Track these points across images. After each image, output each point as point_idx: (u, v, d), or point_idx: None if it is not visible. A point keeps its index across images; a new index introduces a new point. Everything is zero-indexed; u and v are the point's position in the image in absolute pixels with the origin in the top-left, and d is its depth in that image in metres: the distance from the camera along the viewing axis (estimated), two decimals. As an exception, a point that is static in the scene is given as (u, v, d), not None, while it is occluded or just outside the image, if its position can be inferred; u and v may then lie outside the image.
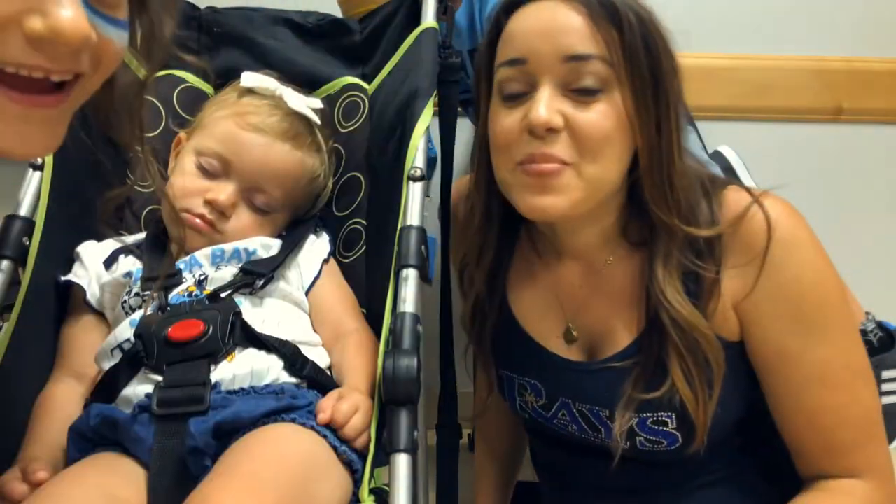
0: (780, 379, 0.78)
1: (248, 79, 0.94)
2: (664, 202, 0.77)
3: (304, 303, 0.89)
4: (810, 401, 0.77)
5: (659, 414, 0.79)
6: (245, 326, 0.79)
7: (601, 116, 0.73)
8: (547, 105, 0.73)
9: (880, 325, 0.93)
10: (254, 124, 0.90)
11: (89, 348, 0.83)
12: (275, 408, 0.71)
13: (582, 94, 0.73)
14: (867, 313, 0.95)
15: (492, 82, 0.79)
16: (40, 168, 0.86)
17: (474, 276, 0.89)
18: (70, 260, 0.89)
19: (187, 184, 0.89)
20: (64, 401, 0.80)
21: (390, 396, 0.69)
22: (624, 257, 0.83)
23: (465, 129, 1.21)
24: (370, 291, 0.95)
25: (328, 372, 0.84)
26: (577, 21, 0.73)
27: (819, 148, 1.36)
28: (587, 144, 0.73)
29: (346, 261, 0.98)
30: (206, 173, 0.90)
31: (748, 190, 0.79)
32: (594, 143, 0.73)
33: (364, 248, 0.97)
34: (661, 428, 0.81)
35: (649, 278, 0.79)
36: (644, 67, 0.73)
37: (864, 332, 0.92)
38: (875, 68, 1.49)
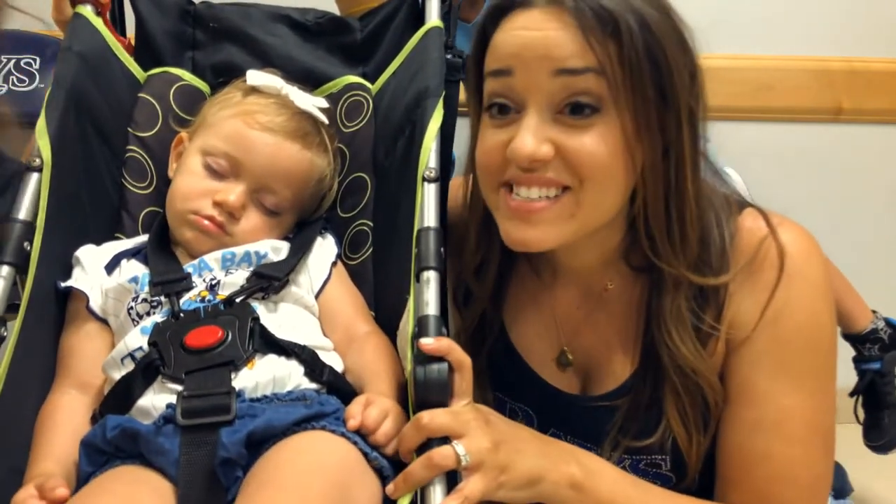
0: (735, 412, 0.74)
1: (254, 77, 0.92)
2: (667, 243, 0.71)
3: (314, 307, 0.87)
4: (758, 445, 0.73)
5: (653, 457, 0.78)
6: (264, 332, 0.77)
7: (597, 142, 0.67)
8: (534, 133, 0.67)
9: (888, 322, 0.96)
10: (263, 123, 0.88)
11: (92, 357, 0.80)
12: (305, 415, 0.69)
13: (575, 117, 0.67)
14: (874, 312, 0.97)
15: (481, 96, 0.75)
16: (38, 169, 0.82)
17: (477, 293, 0.86)
18: (69, 265, 0.85)
19: (195, 185, 0.87)
20: (69, 412, 0.76)
21: (422, 401, 0.68)
22: (625, 283, 0.80)
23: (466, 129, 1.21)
24: (378, 293, 0.94)
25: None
26: (568, 31, 0.66)
27: (819, 148, 1.40)
28: (584, 173, 0.68)
29: (353, 262, 0.96)
30: (214, 174, 0.87)
31: (765, 216, 0.75)
32: (590, 171, 0.67)
33: (371, 249, 0.96)
34: (654, 470, 0.79)
35: (654, 313, 0.75)
36: (648, 82, 0.66)
37: (874, 331, 0.95)
38: (875, 68, 1.51)
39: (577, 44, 0.66)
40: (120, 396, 0.74)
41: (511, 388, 0.88)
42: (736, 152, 1.15)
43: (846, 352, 1.20)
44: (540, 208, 0.69)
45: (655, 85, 0.67)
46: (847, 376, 1.23)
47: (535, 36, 0.68)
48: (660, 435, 0.75)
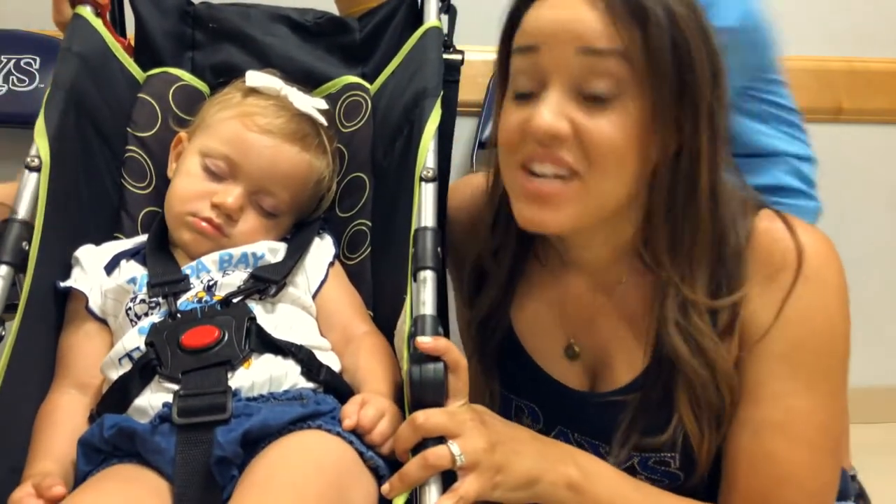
0: (743, 411, 0.74)
1: (253, 78, 0.92)
2: (668, 255, 0.71)
3: (311, 307, 0.87)
4: (764, 445, 0.72)
5: (661, 454, 0.77)
6: (261, 332, 0.77)
7: (614, 125, 0.67)
8: (554, 109, 0.68)
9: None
10: (261, 126, 0.88)
11: (91, 357, 0.81)
12: (302, 414, 0.69)
13: (595, 99, 0.68)
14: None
15: (507, 77, 0.75)
16: (37, 169, 0.82)
17: (493, 275, 0.86)
18: (67, 265, 0.86)
19: (193, 186, 0.87)
20: (68, 412, 0.77)
21: (418, 401, 0.68)
22: (638, 277, 0.79)
23: (464, 129, 1.21)
24: (376, 293, 0.94)
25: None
26: (596, 12, 0.67)
27: (819, 148, 1.39)
28: (596, 156, 0.68)
29: (351, 262, 0.97)
30: (213, 175, 0.87)
31: (782, 217, 0.75)
32: (603, 155, 0.68)
33: (369, 249, 0.96)
34: (663, 468, 0.78)
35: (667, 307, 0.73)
36: (669, 74, 0.67)
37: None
38: (875, 68, 1.51)
39: (604, 25, 0.67)
40: (117, 396, 0.74)
41: (516, 385, 0.88)
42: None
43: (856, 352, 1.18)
44: (552, 193, 0.70)
45: (677, 78, 0.68)
46: (856, 378, 1.22)
47: (565, 14, 0.69)
48: (671, 432, 0.74)
